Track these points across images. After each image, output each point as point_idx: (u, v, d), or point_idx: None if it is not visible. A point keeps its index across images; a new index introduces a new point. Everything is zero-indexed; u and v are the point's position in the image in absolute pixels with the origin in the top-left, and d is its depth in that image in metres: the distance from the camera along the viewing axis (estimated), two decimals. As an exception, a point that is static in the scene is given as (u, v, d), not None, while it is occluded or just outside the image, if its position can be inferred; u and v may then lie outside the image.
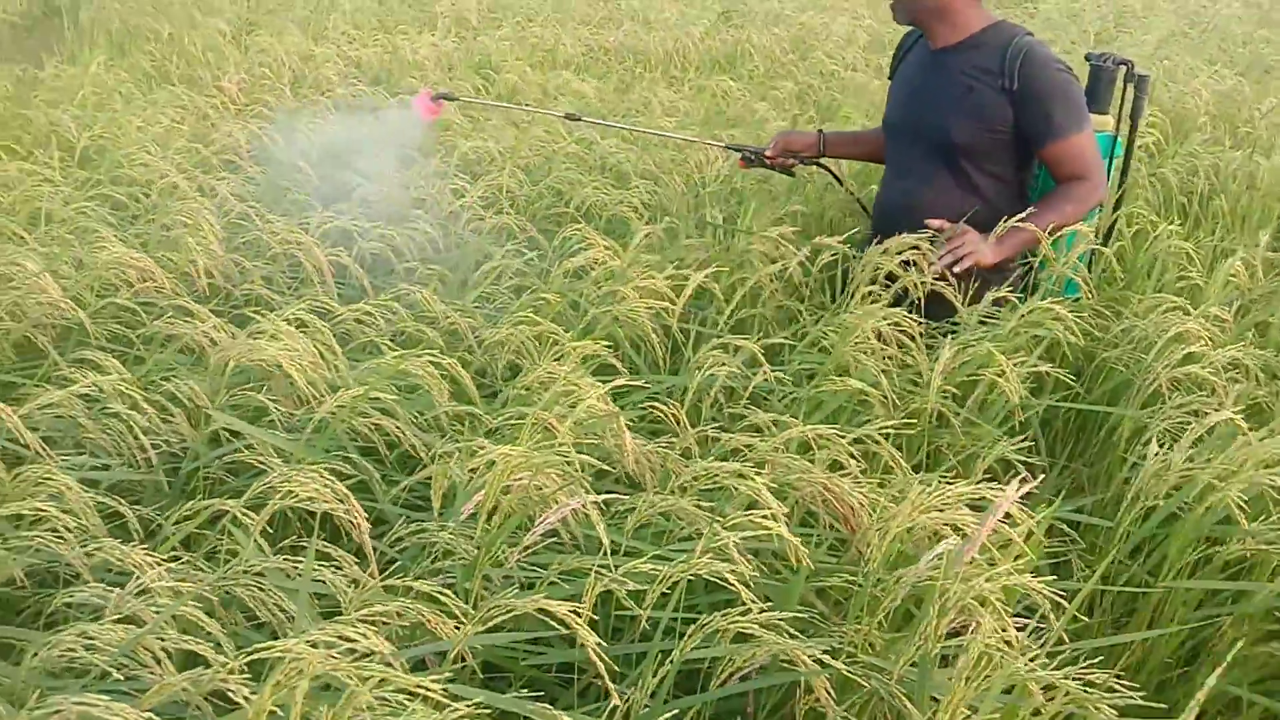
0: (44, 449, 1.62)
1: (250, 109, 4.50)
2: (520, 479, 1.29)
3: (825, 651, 1.10)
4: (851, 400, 1.73)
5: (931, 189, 2.34)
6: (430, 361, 1.72)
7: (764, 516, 1.19)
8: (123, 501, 1.46)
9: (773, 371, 1.89)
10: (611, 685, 1.05)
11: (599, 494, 1.40)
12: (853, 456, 1.47)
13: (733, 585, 1.12)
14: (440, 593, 1.12)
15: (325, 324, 1.95)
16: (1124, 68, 2.46)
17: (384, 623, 1.10)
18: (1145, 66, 5.27)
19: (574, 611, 1.06)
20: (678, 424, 1.67)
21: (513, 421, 1.56)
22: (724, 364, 1.83)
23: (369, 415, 1.63)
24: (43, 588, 1.45)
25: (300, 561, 1.21)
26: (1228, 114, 4.53)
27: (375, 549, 1.33)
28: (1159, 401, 1.91)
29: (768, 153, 2.73)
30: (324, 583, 1.24)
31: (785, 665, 1.14)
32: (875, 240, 2.27)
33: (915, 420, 1.71)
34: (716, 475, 1.39)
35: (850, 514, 1.33)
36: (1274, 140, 4.15)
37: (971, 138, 2.27)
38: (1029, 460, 1.65)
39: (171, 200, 2.81)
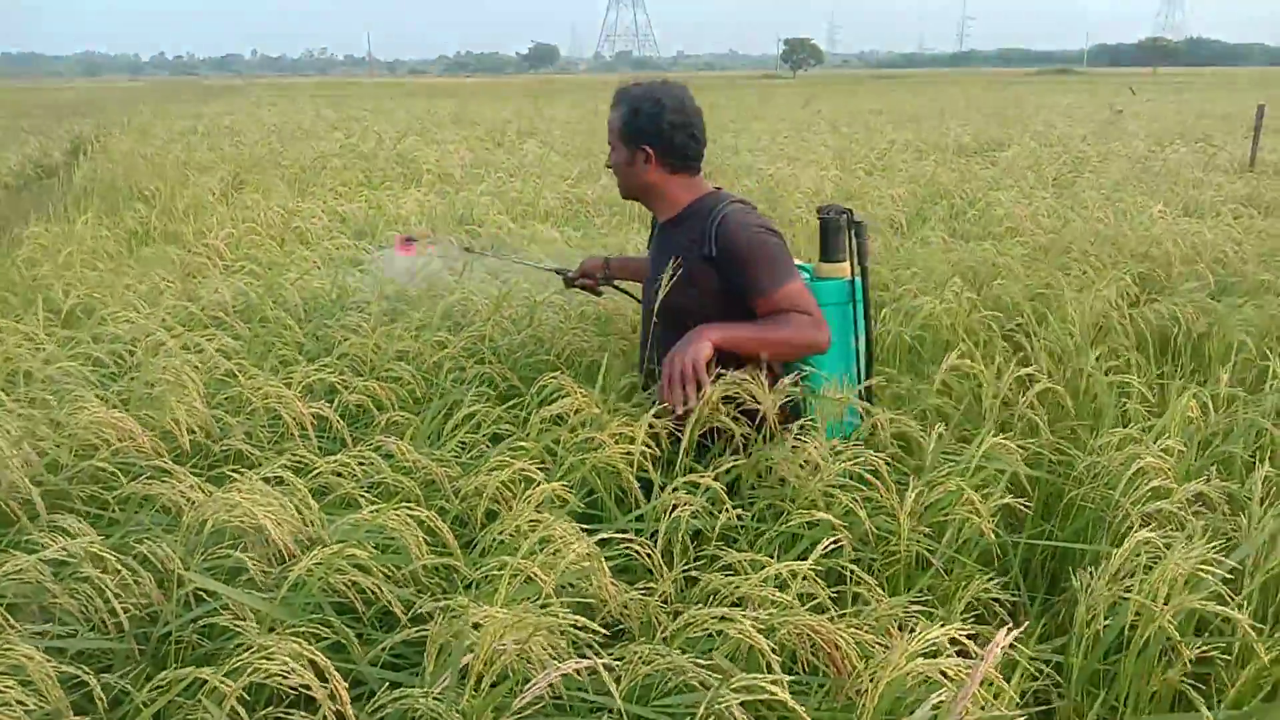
0: (6, 618, 1.60)
1: (238, 264, 4.60)
2: (504, 643, 1.28)
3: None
4: (824, 536, 1.73)
5: (664, 355, 2.34)
6: (408, 515, 1.72)
7: (760, 674, 1.18)
8: (89, 672, 1.43)
9: (736, 508, 1.90)
10: None
11: (582, 643, 1.39)
12: (831, 596, 1.47)
13: None
14: None
15: (303, 480, 1.96)
16: (845, 216, 2.57)
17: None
18: (1103, 210, 5.52)
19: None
20: (655, 566, 1.67)
21: (494, 573, 1.55)
22: (688, 505, 1.84)
23: (346, 572, 1.62)
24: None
25: None
26: (1189, 257, 4.68)
27: (356, 716, 1.30)
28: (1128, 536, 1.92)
29: (570, 275, 3.05)
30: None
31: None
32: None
33: (892, 557, 1.71)
34: (701, 623, 1.38)
35: (836, 655, 1.32)
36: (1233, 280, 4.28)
37: (683, 303, 2.36)
38: (1009, 598, 1.64)
39: (156, 358, 2.84)
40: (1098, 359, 2.95)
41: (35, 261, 4.59)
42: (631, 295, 3.11)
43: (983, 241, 4.83)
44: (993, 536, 1.72)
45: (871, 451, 1.91)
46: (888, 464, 1.91)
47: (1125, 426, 2.41)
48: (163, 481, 2.00)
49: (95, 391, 2.59)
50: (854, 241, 2.59)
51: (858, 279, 2.53)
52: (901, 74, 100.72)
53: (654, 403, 2.27)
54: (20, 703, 1.34)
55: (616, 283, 3.05)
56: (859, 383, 2.48)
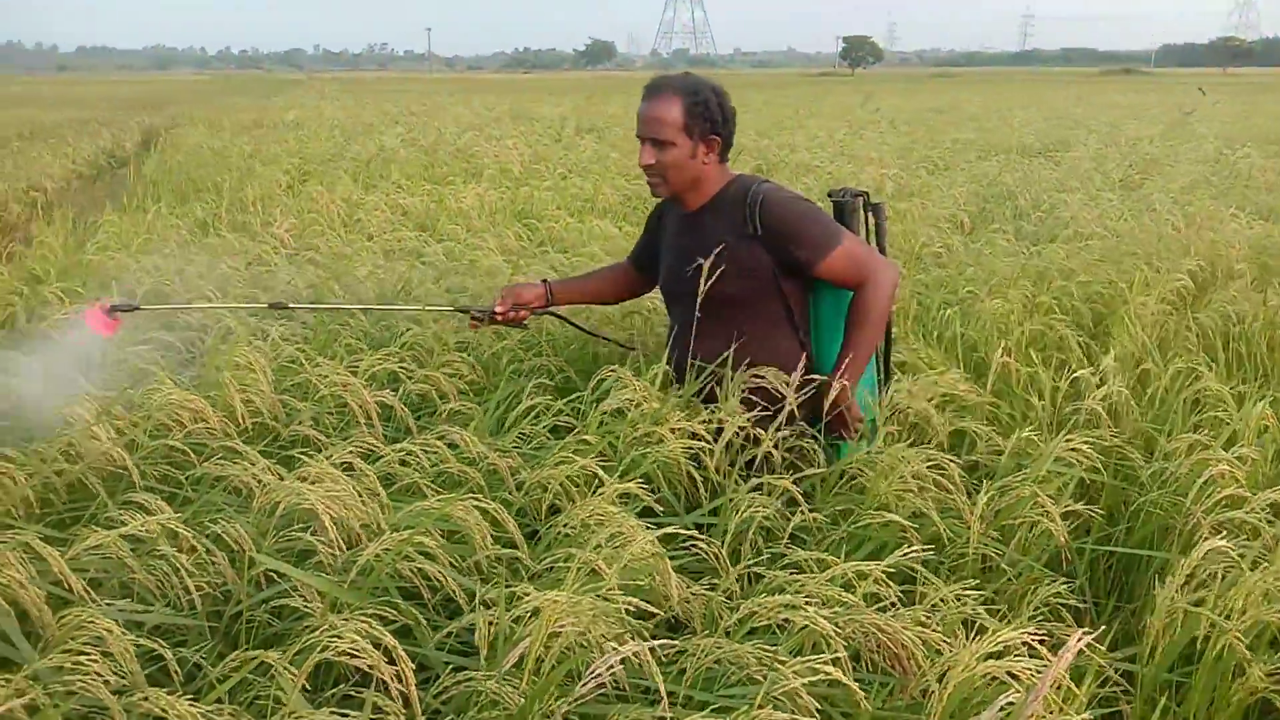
0: (88, 592, 1.65)
1: (302, 254, 4.69)
2: (565, 626, 1.29)
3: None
4: (893, 537, 1.72)
5: (714, 344, 2.40)
6: (474, 506, 1.75)
7: (823, 661, 1.18)
8: (165, 645, 1.47)
9: (809, 511, 1.89)
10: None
11: (644, 636, 1.40)
12: (898, 596, 1.46)
13: None
14: None
15: (370, 466, 1.99)
16: (861, 199, 2.61)
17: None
18: (1171, 212, 5.40)
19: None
20: (720, 563, 1.67)
21: (559, 564, 1.57)
22: (762, 506, 1.84)
23: (413, 559, 1.65)
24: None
25: (345, 714, 1.20)
26: (1261, 260, 4.57)
27: (421, 698, 1.33)
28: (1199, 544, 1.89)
29: (497, 309, 2.70)
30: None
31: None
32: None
33: (960, 559, 1.69)
34: (766, 613, 1.38)
35: (902, 655, 1.31)
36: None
37: (736, 290, 2.37)
38: (1074, 603, 1.62)
39: (225, 344, 2.91)
40: (1167, 363, 2.89)
41: (108, 248, 4.72)
42: (572, 323, 2.95)
43: (1049, 244, 4.75)
44: (1063, 540, 1.69)
45: (941, 453, 1.89)
46: (961, 471, 1.89)
47: (1195, 432, 2.36)
48: (234, 463, 2.05)
49: (169, 375, 2.66)
50: (870, 224, 2.62)
51: None
52: (962, 72, 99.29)
53: (693, 397, 2.35)
54: (99, 674, 1.38)
55: (556, 309, 2.83)
56: (879, 371, 2.51)
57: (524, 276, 3.96)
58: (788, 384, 2.25)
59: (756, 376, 2.30)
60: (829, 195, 2.65)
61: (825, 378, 2.31)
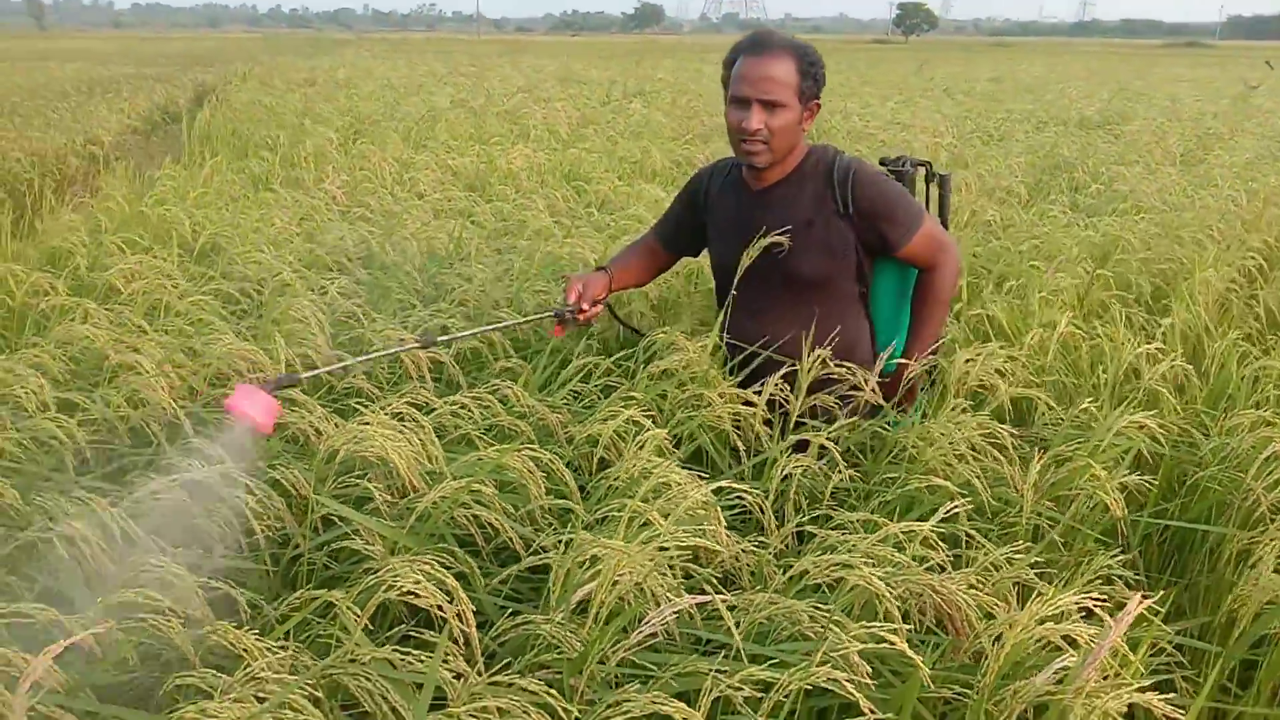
0: (145, 537, 1.69)
1: (352, 210, 4.73)
2: (623, 575, 1.31)
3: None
4: (942, 503, 1.72)
5: (787, 324, 2.31)
6: (528, 456, 1.77)
7: (876, 622, 1.18)
8: (233, 585, 1.51)
9: (856, 475, 1.89)
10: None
11: (691, 590, 1.41)
12: (948, 560, 1.46)
13: (852, 695, 1.11)
14: (546, 691, 1.14)
15: (425, 418, 2.02)
16: (923, 169, 2.51)
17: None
18: (1233, 188, 5.26)
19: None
20: (766, 519, 1.68)
21: (613, 513, 1.58)
22: (805, 466, 1.84)
23: (469, 507, 1.67)
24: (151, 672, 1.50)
25: (406, 652, 1.23)
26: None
27: (479, 639, 1.35)
28: (1260, 523, 1.86)
29: (583, 308, 2.42)
30: (426, 674, 1.26)
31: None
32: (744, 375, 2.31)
33: (1010, 529, 1.69)
34: (818, 571, 1.39)
35: (956, 616, 1.31)
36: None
37: (819, 270, 2.28)
38: (1128, 576, 1.61)
39: (281, 297, 2.95)
40: (1226, 336, 2.83)
41: (165, 201, 4.79)
42: (625, 324, 2.76)
43: (1106, 216, 4.66)
44: (1119, 513, 1.67)
45: (997, 423, 1.88)
46: (1017, 441, 1.87)
47: (1257, 409, 2.32)
48: (292, 411, 2.09)
49: (228, 325, 2.71)
50: (934, 195, 2.54)
51: None
52: (1019, 42, 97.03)
53: (746, 373, 2.29)
54: (169, 611, 1.43)
55: (610, 302, 2.61)
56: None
57: (574, 239, 3.97)
58: (857, 367, 2.18)
59: (839, 365, 2.18)
60: (882, 163, 2.52)
61: (901, 360, 2.29)
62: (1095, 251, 3.93)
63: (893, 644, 1.14)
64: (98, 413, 2.20)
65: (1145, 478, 1.84)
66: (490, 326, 2.51)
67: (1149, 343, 2.56)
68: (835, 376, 2.17)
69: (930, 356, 2.29)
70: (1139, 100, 13.78)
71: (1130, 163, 6.76)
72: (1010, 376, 2.28)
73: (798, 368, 2.18)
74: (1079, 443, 1.91)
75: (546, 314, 2.46)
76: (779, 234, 2.27)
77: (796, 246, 2.27)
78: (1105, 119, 10.87)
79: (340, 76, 16.00)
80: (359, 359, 2.24)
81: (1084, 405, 2.11)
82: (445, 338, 2.36)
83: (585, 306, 2.41)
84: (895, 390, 2.30)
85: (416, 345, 2.29)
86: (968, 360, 2.23)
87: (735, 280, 2.35)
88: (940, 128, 8.71)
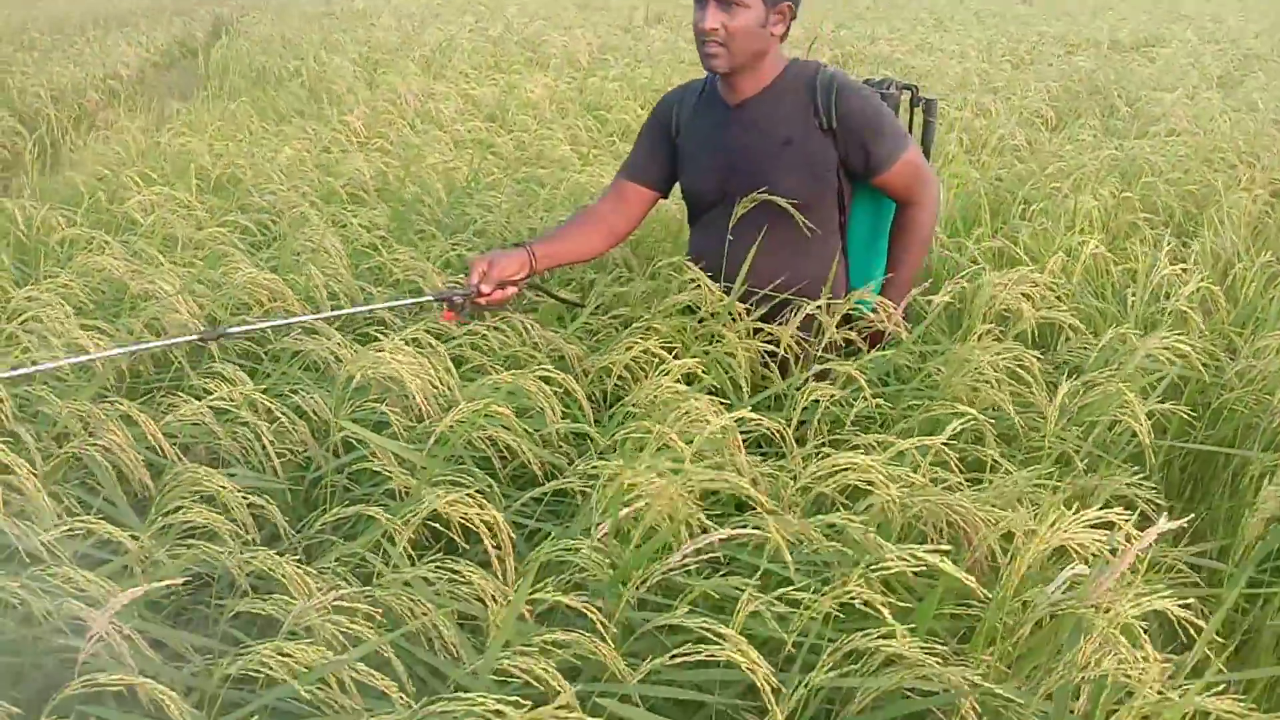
0: (182, 458, 1.72)
1: (372, 142, 4.70)
2: (655, 503, 1.32)
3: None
4: (965, 427, 1.70)
5: (762, 252, 2.14)
6: (543, 378, 1.77)
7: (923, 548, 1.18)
8: (268, 503, 1.53)
9: (876, 398, 1.87)
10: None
11: (709, 514, 1.42)
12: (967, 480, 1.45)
13: (880, 613, 1.12)
14: (585, 608, 1.15)
15: (442, 346, 2.02)
16: (909, 92, 2.35)
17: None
18: (1275, 111, 5.12)
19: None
20: (785, 443, 1.68)
21: (634, 435, 1.58)
22: (828, 392, 1.83)
23: (486, 430, 1.68)
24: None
25: (454, 567, 1.25)
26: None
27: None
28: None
29: (482, 290, 2.11)
30: (460, 596, 1.28)
31: (912, 692, 1.13)
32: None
33: (1035, 452, 1.68)
34: (829, 484, 1.39)
35: (974, 534, 1.31)
36: None
37: (798, 192, 2.10)
38: (1150, 499, 1.60)
39: (300, 229, 2.95)
40: (1258, 259, 2.77)
41: (182, 134, 4.78)
42: (556, 296, 2.42)
43: (1137, 140, 4.55)
44: (1146, 439, 1.65)
45: (1024, 348, 1.85)
46: (1038, 359, 1.85)
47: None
48: (312, 338, 2.10)
49: (246, 256, 2.71)
50: (919, 122, 2.38)
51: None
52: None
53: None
54: (215, 526, 1.46)
55: (537, 281, 2.30)
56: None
57: (592, 169, 3.92)
58: (830, 301, 2.08)
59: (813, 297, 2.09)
60: (865, 83, 2.31)
61: (877, 299, 2.09)
62: (1123, 173, 3.85)
63: (919, 560, 1.14)
64: (120, 340, 2.22)
65: (1169, 404, 1.82)
66: (356, 309, 2.18)
67: (1176, 264, 2.51)
68: (811, 311, 2.06)
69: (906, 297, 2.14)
70: (1180, 21, 13.37)
71: (1166, 87, 6.58)
72: (1035, 301, 2.24)
73: (777, 299, 2.11)
74: (1112, 370, 1.88)
75: (432, 297, 2.12)
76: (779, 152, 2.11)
77: (774, 166, 2.11)
78: (1138, 41, 10.57)
79: (359, 6, 15.78)
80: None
81: (1111, 331, 2.08)
82: (242, 329, 1.96)
83: (484, 289, 2.10)
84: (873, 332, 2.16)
85: (199, 338, 1.89)
86: (996, 285, 2.18)
87: (708, 204, 2.23)
88: (970, 52, 8.50)
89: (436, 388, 1.83)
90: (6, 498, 1.49)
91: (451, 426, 1.67)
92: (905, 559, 1.15)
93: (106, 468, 1.62)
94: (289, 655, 1.13)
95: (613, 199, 2.35)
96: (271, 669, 1.13)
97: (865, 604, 1.16)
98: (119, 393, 2.14)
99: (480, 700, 0.97)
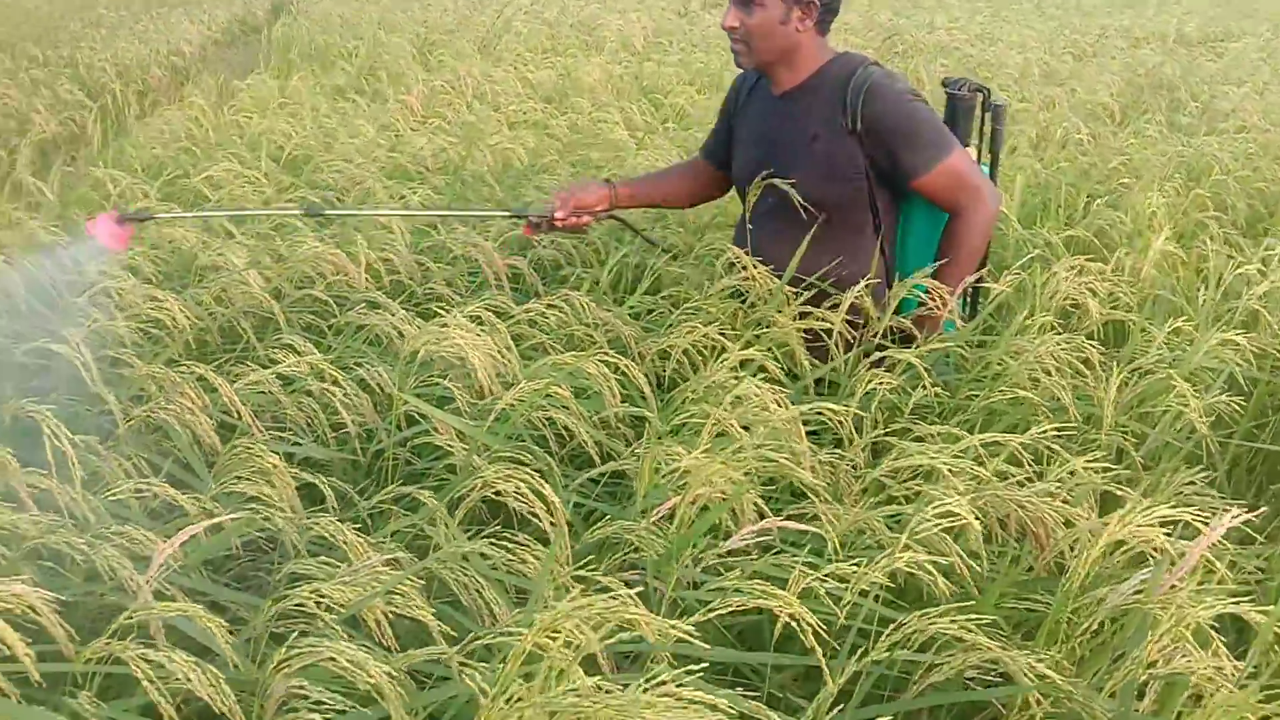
0: (254, 422, 1.77)
1: (430, 121, 4.74)
2: (709, 490, 1.33)
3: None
4: (1024, 418, 1.69)
5: (778, 246, 2.11)
6: (604, 362, 1.78)
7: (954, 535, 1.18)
8: (322, 479, 1.57)
9: (934, 387, 1.86)
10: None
11: (767, 500, 1.43)
12: (1028, 477, 1.44)
13: (934, 583, 1.12)
14: (633, 582, 1.17)
15: (502, 324, 2.05)
16: (980, 95, 2.24)
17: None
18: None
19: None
20: (845, 431, 1.68)
21: (693, 420, 1.60)
22: (886, 381, 1.82)
23: (546, 410, 1.70)
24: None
25: (510, 539, 1.28)
26: None
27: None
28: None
29: (557, 214, 2.28)
30: (515, 571, 1.30)
31: (973, 682, 1.13)
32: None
33: (1091, 444, 1.66)
34: (897, 484, 1.39)
35: (1040, 532, 1.30)
36: None
37: (814, 192, 2.06)
38: (1212, 496, 1.58)
39: (366, 204, 2.99)
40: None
41: (247, 111, 4.86)
42: (636, 230, 2.56)
43: (1205, 136, 4.45)
44: (1204, 430, 1.63)
45: (1087, 340, 1.83)
46: (1102, 354, 1.82)
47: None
48: (376, 312, 2.13)
49: (312, 231, 2.76)
50: (986, 127, 2.25)
51: (984, 167, 2.23)
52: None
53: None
54: (272, 500, 1.49)
55: (618, 214, 2.43)
56: (965, 309, 2.21)
57: (646, 152, 3.92)
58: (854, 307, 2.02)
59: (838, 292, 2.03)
60: (943, 84, 2.30)
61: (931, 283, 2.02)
62: (1189, 170, 3.77)
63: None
64: (192, 311, 2.27)
65: (1236, 399, 1.78)
66: (454, 213, 2.45)
67: (1246, 265, 2.46)
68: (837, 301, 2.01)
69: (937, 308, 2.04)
70: (1250, 16, 13.02)
71: (1236, 81, 6.42)
72: (1102, 296, 2.20)
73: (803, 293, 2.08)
74: (1170, 364, 1.85)
75: (515, 213, 2.36)
76: (801, 151, 2.08)
77: (796, 162, 2.09)
78: (1206, 36, 10.31)
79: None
80: (226, 211, 2.27)
81: (1176, 325, 2.04)
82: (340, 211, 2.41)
83: (561, 214, 2.27)
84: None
85: (297, 212, 2.49)
86: (1062, 277, 2.14)
87: (742, 191, 2.24)
88: (1030, 43, 8.36)
89: (498, 364, 1.86)
90: (81, 458, 1.53)
91: (511, 404, 1.69)
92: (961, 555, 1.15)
93: (181, 431, 1.66)
94: (325, 595, 1.17)
95: (691, 165, 2.49)
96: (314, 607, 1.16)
97: (925, 594, 1.16)
98: (190, 359, 2.19)
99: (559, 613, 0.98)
